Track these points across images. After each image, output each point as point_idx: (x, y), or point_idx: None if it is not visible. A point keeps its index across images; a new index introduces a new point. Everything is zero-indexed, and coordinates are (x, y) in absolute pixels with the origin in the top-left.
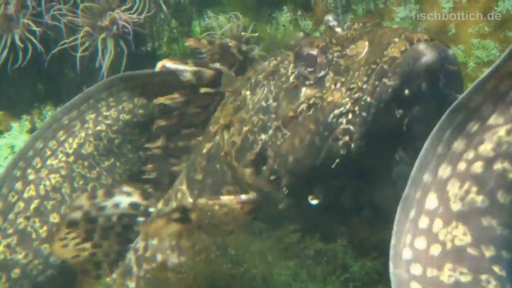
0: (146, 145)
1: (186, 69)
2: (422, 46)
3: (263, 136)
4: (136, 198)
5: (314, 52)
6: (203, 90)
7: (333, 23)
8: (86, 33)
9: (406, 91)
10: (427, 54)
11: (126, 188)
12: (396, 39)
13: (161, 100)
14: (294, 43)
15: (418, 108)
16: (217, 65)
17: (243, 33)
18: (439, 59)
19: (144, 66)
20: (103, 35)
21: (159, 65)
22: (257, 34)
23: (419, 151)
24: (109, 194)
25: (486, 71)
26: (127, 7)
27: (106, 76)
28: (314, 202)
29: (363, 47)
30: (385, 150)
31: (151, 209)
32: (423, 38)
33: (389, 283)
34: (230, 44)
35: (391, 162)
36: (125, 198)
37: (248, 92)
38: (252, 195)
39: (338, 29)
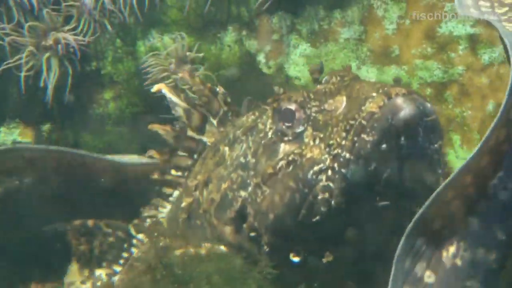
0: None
1: (179, 104)
2: (400, 101)
3: (242, 193)
4: None
5: (292, 107)
6: (190, 133)
7: (315, 70)
8: (30, 52)
9: (385, 146)
10: (405, 109)
11: None
12: (374, 94)
13: (155, 127)
14: (271, 99)
15: (398, 162)
16: (204, 110)
17: (188, 53)
18: (417, 113)
19: (89, 85)
20: (47, 54)
21: (156, 88)
22: (202, 55)
23: (397, 205)
24: None
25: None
26: (72, 27)
27: (51, 96)
28: (295, 259)
29: (341, 102)
30: (365, 205)
31: None
32: (401, 92)
33: None
34: (218, 90)
35: (371, 216)
36: None
37: (226, 148)
38: None
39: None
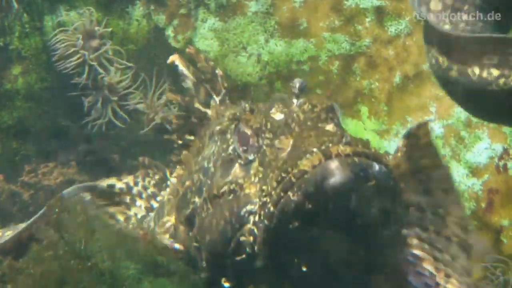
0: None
1: (189, 77)
2: (333, 165)
3: (196, 200)
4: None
5: (248, 132)
6: (196, 105)
7: (296, 90)
8: None
9: (310, 208)
10: (336, 175)
11: None
12: (315, 149)
13: (170, 97)
14: (238, 112)
15: (323, 226)
16: (208, 86)
17: (96, 28)
18: (350, 181)
19: None
20: None
21: (170, 59)
22: (110, 29)
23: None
24: None
25: None
26: None
27: None
28: (226, 285)
29: (287, 146)
30: (290, 260)
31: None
32: (344, 152)
33: None
34: (218, 72)
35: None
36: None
37: (206, 140)
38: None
39: (294, 101)
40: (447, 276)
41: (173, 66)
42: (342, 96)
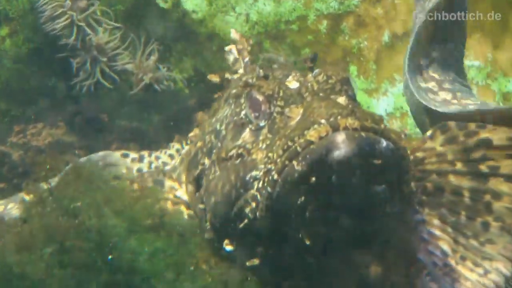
0: None
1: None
2: (340, 138)
3: (206, 161)
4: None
5: (260, 98)
6: (226, 75)
7: (309, 63)
8: None
9: (314, 180)
10: (341, 149)
11: None
12: (323, 121)
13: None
14: (252, 77)
15: (326, 198)
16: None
17: None
18: (355, 155)
19: None
20: None
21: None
22: None
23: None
24: None
25: None
26: None
27: None
28: (228, 248)
29: (297, 115)
30: (292, 229)
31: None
32: (352, 126)
33: None
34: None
35: (298, 242)
36: None
37: (222, 102)
38: None
39: (310, 72)
40: (463, 258)
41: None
42: (331, 56)
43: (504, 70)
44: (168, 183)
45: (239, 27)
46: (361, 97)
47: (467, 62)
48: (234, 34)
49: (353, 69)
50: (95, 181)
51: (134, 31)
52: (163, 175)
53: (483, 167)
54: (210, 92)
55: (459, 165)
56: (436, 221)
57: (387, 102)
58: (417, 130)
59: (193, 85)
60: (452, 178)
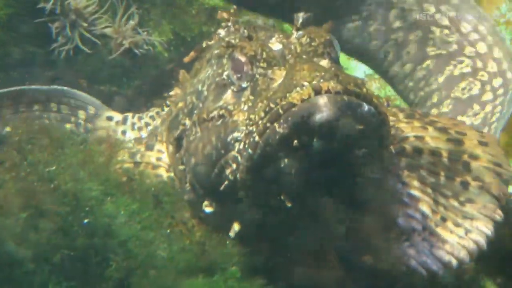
0: None
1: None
2: (322, 101)
3: (187, 121)
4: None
5: (243, 59)
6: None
7: (298, 23)
8: None
9: (295, 142)
10: (323, 112)
11: None
12: (305, 83)
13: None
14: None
15: (307, 161)
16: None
17: None
18: (336, 118)
19: None
20: None
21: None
22: None
23: (306, 200)
24: None
25: None
26: None
27: None
28: (207, 210)
29: (279, 77)
30: (272, 192)
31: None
32: (335, 89)
33: None
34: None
35: (278, 205)
36: None
37: (204, 62)
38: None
39: (294, 34)
40: (443, 219)
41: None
42: None
43: None
44: (157, 146)
45: None
46: (340, 59)
47: None
48: (221, 15)
49: None
50: (67, 145)
51: None
52: (155, 139)
53: (453, 132)
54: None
55: (431, 130)
56: (416, 183)
57: None
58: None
59: (172, 49)
60: (429, 140)
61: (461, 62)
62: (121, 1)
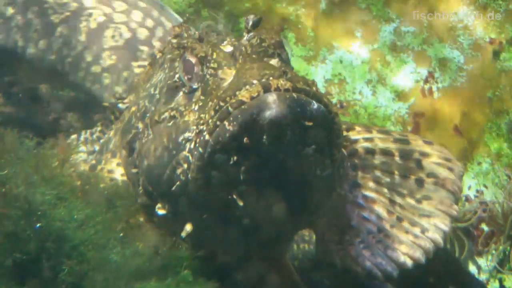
0: None
1: None
2: (271, 98)
3: (139, 125)
4: None
5: (193, 60)
6: None
7: (248, 25)
8: None
9: (245, 140)
10: (272, 109)
11: None
12: (255, 81)
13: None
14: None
15: (257, 158)
16: None
17: None
18: (286, 116)
19: None
20: None
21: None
22: None
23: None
24: None
25: None
26: None
27: None
28: (160, 212)
29: (229, 76)
30: (224, 191)
31: None
32: (284, 87)
33: None
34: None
35: (230, 204)
36: None
37: (157, 68)
38: None
39: (245, 36)
40: (399, 219)
41: None
42: (269, 23)
43: (440, 36)
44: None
45: None
46: (300, 64)
47: (402, 28)
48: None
49: (291, 36)
50: (20, 149)
51: None
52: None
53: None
54: None
55: (375, 132)
56: (371, 184)
57: (325, 69)
58: (355, 97)
59: None
60: (378, 141)
61: (90, 14)
62: None
